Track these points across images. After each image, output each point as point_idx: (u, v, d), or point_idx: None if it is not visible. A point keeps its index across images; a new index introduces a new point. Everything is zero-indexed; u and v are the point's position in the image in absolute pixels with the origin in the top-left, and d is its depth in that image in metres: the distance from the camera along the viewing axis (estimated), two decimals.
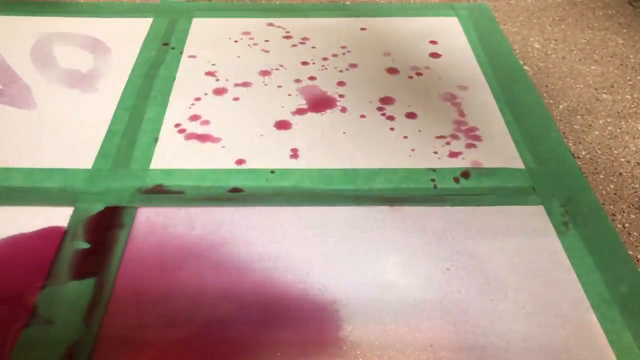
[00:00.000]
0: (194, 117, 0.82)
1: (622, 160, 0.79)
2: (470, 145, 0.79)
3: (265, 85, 0.89)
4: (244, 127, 0.81)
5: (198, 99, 0.86)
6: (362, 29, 1.03)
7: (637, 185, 0.75)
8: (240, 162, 0.75)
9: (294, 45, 0.98)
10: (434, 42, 1.00)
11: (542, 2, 1.17)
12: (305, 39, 1.00)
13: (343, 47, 0.98)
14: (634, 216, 0.70)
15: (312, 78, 0.91)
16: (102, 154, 0.75)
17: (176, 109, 0.83)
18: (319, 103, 0.86)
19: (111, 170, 0.73)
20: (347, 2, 1.13)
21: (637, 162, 0.78)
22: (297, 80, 0.90)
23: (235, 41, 0.99)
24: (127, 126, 0.80)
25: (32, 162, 0.74)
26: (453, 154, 0.77)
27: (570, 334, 0.57)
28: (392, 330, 0.56)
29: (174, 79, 0.89)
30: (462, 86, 0.90)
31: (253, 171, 0.74)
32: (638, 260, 0.65)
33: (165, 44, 0.97)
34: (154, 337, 0.55)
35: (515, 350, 0.55)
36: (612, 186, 0.75)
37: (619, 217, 0.70)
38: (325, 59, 0.95)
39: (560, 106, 0.88)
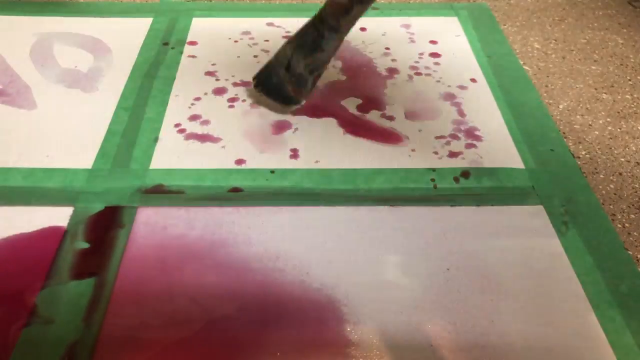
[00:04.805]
0: (194, 117, 0.82)
1: (622, 160, 0.79)
2: (470, 145, 0.79)
3: None
4: (243, 127, 0.81)
5: (198, 98, 0.86)
6: (362, 29, 1.03)
7: (637, 185, 0.75)
8: (240, 162, 0.75)
9: None
10: (434, 42, 1.00)
11: (542, 2, 1.17)
12: None
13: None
14: (634, 216, 0.70)
15: None
16: (102, 154, 0.75)
17: (176, 109, 0.83)
18: (319, 103, 0.86)
19: (111, 170, 0.73)
20: None
21: (637, 162, 0.78)
22: None
23: (235, 41, 0.99)
24: (127, 126, 0.80)
25: (32, 162, 0.74)
26: (453, 154, 0.77)
27: (570, 334, 0.57)
28: (392, 330, 0.56)
29: (174, 78, 0.89)
30: (462, 86, 0.90)
31: (253, 171, 0.74)
32: (638, 260, 0.65)
33: (165, 44, 0.97)
34: (154, 337, 0.55)
35: (515, 350, 0.55)
36: (612, 186, 0.75)
37: (619, 217, 0.70)
38: None
39: (560, 106, 0.88)
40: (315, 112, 0.84)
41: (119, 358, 0.54)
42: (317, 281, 0.61)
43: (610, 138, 0.82)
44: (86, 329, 0.55)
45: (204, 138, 0.78)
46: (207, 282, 0.60)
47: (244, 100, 0.86)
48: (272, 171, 0.73)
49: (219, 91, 0.87)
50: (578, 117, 0.86)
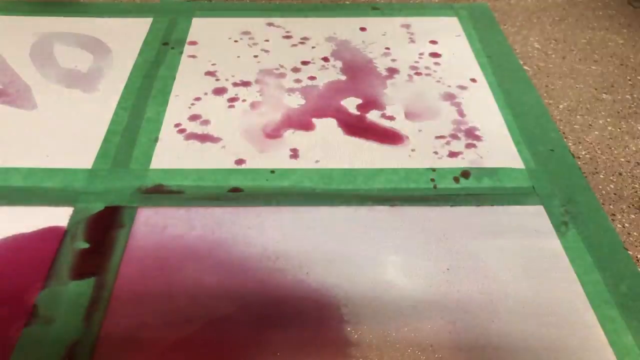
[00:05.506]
0: (194, 117, 0.82)
1: (622, 160, 0.79)
2: (470, 145, 0.79)
3: (265, 85, 0.89)
4: (243, 127, 0.81)
5: (198, 98, 0.86)
6: (362, 28, 1.03)
7: (637, 185, 0.75)
8: (240, 162, 0.75)
9: (294, 45, 0.98)
10: (434, 42, 1.00)
11: (542, 2, 1.17)
12: (305, 39, 1.00)
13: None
14: (634, 216, 0.70)
15: (312, 78, 0.91)
16: (102, 154, 0.75)
17: (176, 109, 0.83)
18: (319, 103, 0.86)
19: (111, 170, 0.73)
20: (347, 2, 1.13)
21: (637, 162, 0.78)
22: (297, 80, 0.90)
23: (235, 41, 0.99)
24: (127, 126, 0.80)
25: (32, 162, 0.74)
26: (453, 154, 0.77)
27: (570, 334, 0.57)
28: (392, 330, 0.56)
29: (174, 78, 0.89)
30: (462, 86, 0.90)
31: (253, 171, 0.74)
32: (638, 260, 0.65)
33: (165, 44, 0.97)
34: (154, 337, 0.55)
35: (515, 350, 0.55)
36: (612, 186, 0.75)
37: (619, 217, 0.70)
38: (325, 59, 0.95)
39: (560, 106, 0.88)
40: (315, 112, 0.84)
41: (119, 358, 0.54)
42: (317, 281, 0.61)
43: (610, 138, 0.82)
44: (86, 329, 0.55)
45: (204, 138, 0.78)
46: (207, 282, 0.60)
47: (244, 100, 0.86)
48: (272, 171, 0.73)
49: (219, 91, 0.87)
50: (578, 117, 0.86)
